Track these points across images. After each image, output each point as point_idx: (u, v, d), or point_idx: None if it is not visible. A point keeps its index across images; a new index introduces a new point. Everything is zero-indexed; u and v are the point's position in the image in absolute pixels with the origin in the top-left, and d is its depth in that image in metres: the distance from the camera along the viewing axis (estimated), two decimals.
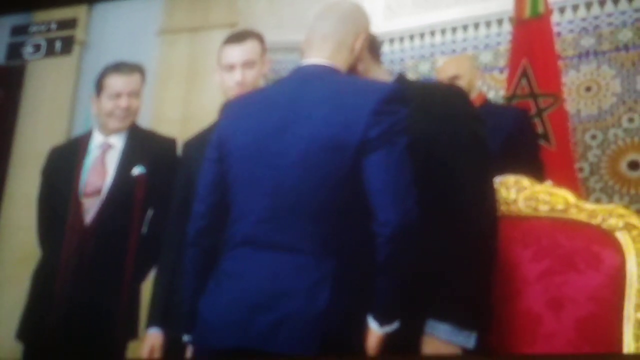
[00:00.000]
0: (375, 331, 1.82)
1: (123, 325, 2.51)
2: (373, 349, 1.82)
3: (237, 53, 2.50)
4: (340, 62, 1.97)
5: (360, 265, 1.82)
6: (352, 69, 2.01)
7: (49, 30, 3.33)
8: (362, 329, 1.83)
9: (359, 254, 1.83)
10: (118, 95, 2.69)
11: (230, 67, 2.49)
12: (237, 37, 2.55)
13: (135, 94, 2.72)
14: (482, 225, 1.88)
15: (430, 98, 1.98)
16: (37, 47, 3.31)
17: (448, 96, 2.03)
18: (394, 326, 1.83)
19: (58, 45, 3.29)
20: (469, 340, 1.82)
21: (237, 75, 2.47)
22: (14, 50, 3.34)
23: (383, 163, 1.80)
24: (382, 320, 1.82)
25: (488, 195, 1.95)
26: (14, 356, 2.68)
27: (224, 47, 2.54)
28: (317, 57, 1.96)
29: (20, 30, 3.36)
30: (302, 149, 1.84)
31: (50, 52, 3.29)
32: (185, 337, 2.04)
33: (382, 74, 2.09)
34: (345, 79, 1.96)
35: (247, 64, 2.49)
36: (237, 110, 2.05)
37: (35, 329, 2.60)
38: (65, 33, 3.32)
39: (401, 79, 2.08)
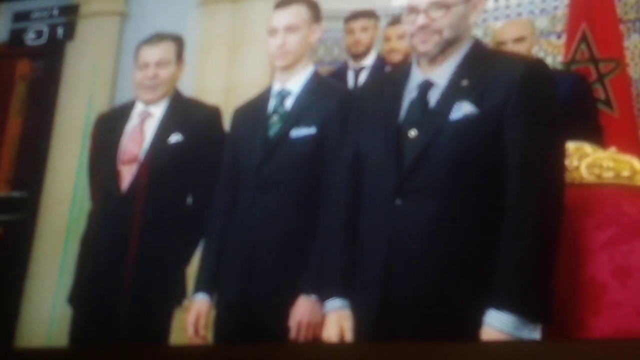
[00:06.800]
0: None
1: (166, 295, 2.48)
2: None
3: (279, 17, 2.46)
4: None
5: None
6: None
7: (50, 16, 3.30)
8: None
9: None
10: (146, 65, 2.68)
11: (274, 32, 2.44)
12: (284, 2, 2.50)
13: (164, 63, 2.69)
14: (549, 210, 1.77)
15: (511, 68, 1.87)
16: (38, 34, 3.29)
17: (529, 68, 1.90)
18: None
19: (60, 31, 3.27)
20: (532, 334, 1.71)
21: (278, 40, 2.43)
22: (16, 37, 3.33)
23: None
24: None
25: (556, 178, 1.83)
26: (44, 342, 2.73)
27: (272, 13, 2.50)
28: None
29: (22, 17, 3.35)
30: None
31: (52, 38, 3.27)
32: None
33: None
34: None
35: (290, 29, 2.43)
36: None
37: (82, 296, 2.59)
38: (67, 19, 3.29)
39: (477, 44, 1.98)
